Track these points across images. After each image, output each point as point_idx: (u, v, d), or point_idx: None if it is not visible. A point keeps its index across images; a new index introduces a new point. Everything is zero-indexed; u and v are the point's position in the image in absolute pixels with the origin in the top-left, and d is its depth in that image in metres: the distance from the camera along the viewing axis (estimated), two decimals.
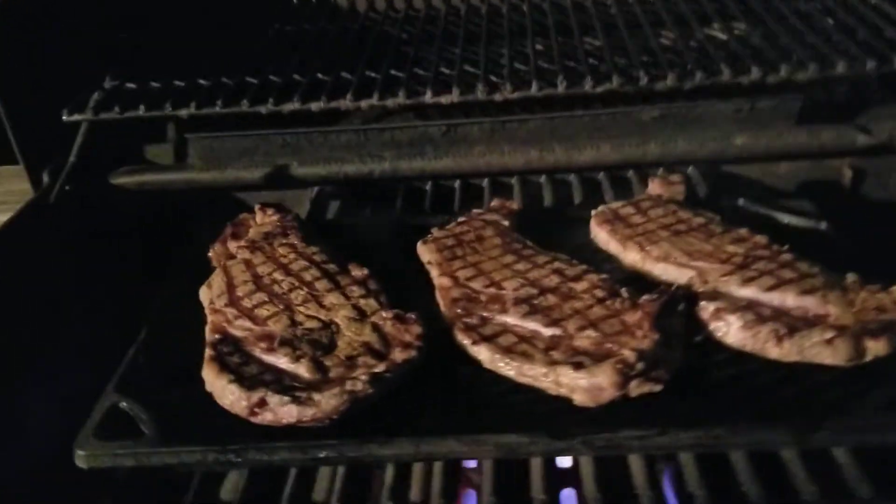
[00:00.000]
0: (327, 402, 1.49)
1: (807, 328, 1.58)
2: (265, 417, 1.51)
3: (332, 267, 1.87)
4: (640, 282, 1.82)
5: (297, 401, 1.49)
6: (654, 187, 2.18)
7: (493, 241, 1.97)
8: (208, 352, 1.64)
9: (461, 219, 2.10)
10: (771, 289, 1.68)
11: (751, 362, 1.60)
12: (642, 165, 2.40)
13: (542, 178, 2.48)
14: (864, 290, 1.66)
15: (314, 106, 2.22)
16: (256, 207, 2.19)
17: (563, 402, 1.53)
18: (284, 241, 2.00)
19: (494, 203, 2.18)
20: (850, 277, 1.71)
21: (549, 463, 1.77)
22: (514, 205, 2.16)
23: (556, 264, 1.84)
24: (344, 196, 2.59)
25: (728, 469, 1.67)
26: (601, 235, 2.00)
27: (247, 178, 2.45)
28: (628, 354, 1.53)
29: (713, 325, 1.65)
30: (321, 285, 1.80)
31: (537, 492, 1.68)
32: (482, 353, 1.63)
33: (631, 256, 1.91)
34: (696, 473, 1.66)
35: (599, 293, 1.72)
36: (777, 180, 2.51)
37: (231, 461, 1.52)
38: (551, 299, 1.72)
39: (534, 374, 1.56)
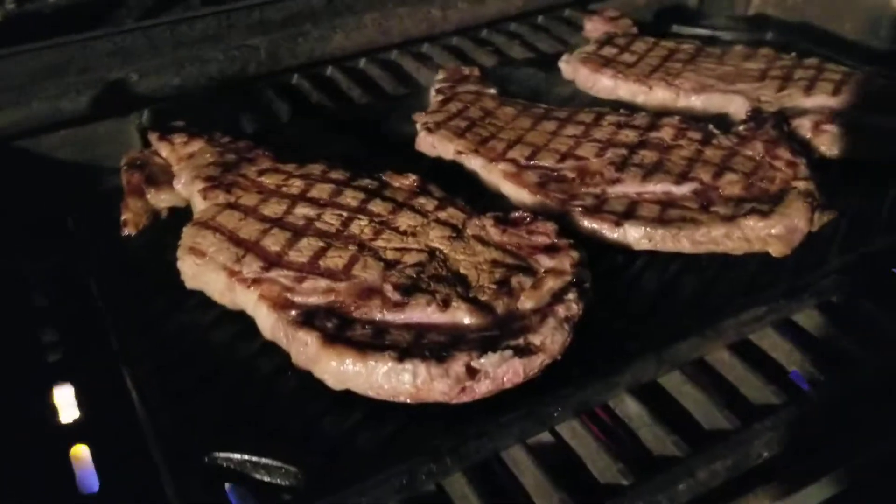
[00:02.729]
0: (552, 339, 1.08)
1: None
2: (479, 390, 1.05)
3: (366, 182, 1.36)
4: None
5: (519, 352, 1.06)
6: (597, 26, 1.95)
7: (505, 111, 1.60)
8: (310, 334, 1.09)
9: (438, 97, 1.67)
10: (834, 93, 1.59)
11: None
12: (554, 7, 2.13)
13: (454, 40, 2.08)
14: None
15: None
16: (154, 136, 1.52)
17: None
18: (258, 168, 1.41)
19: (453, 71, 1.77)
20: None
21: None
22: (477, 70, 1.78)
23: (608, 117, 1.55)
24: (193, 112, 1.92)
25: None
26: (603, 82, 1.74)
27: (66, 108, 1.70)
28: (804, 185, 1.34)
29: (817, 139, 1.51)
30: (379, 207, 1.30)
31: None
32: (631, 233, 1.31)
33: (659, 95, 1.68)
34: None
35: (694, 135, 1.48)
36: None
37: (446, 466, 1.04)
38: (650, 155, 1.44)
39: (714, 236, 1.29)
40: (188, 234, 1.28)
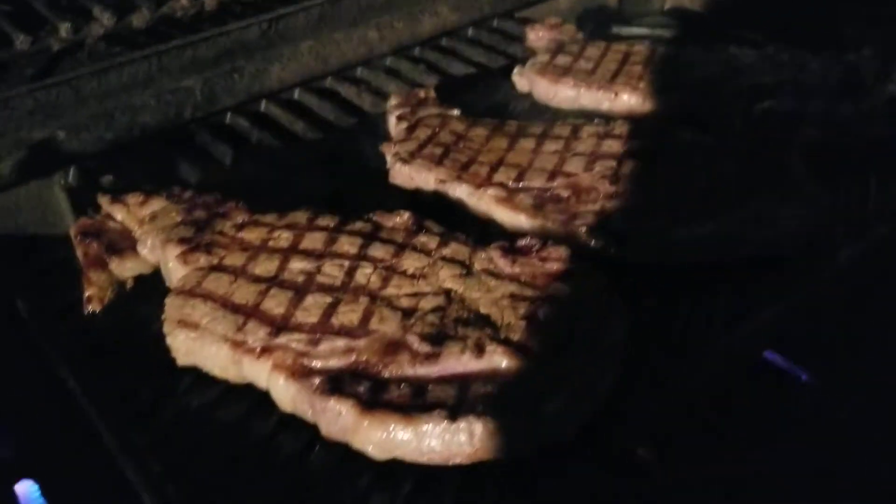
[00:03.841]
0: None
1: None
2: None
3: (358, 226, 1.26)
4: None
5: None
6: (541, 34, 1.90)
7: (478, 132, 1.53)
8: (344, 403, 0.99)
9: (401, 125, 1.58)
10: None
11: None
12: (486, 18, 2.07)
13: (388, 61, 1.98)
14: None
15: None
16: (106, 200, 1.37)
17: None
18: (233, 223, 1.28)
19: (408, 95, 1.68)
20: None
21: None
22: (431, 90, 1.70)
23: (586, 128, 1.50)
24: (125, 165, 1.76)
25: None
26: (566, 92, 1.69)
27: None
28: None
29: None
30: (380, 251, 1.20)
31: None
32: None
33: (624, 100, 1.64)
34: None
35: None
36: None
37: None
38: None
39: None
40: (173, 305, 1.15)
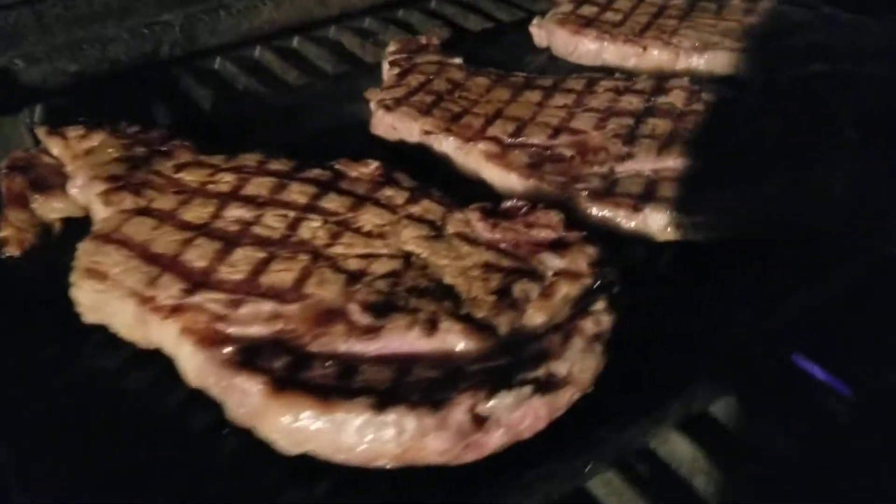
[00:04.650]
0: (582, 365, 0.81)
1: None
2: (489, 443, 0.77)
3: (316, 173, 1.07)
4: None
5: (540, 387, 0.78)
6: None
7: (477, 81, 1.33)
8: (253, 380, 0.80)
9: (393, 70, 1.38)
10: None
11: None
12: None
13: (400, 13, 1.79)
14: None
15: None
16: (42, 132, 1.20)
17: None
18: (176, 162, 1.10)
19: (407, 42, 1.49)
20: None
21: None
22: (435, 38, 1.50)
23: (603, 83, 1.29)
24: (94, 104, 1.58)
25: None
26: (586, 45, 1.48)
27: None
28: None
29: None
30: (335, 203, 1.01)
31: None
32: (654, 219, 1.05)
33: (654, 56, 1.42)
34: None
35: (709, 97, 1.23)
36: None
37: None
38: (661, 124, 1.18)
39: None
40: (85, 250, 0.98)
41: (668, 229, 1.04)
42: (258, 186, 1.03)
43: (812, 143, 1.10)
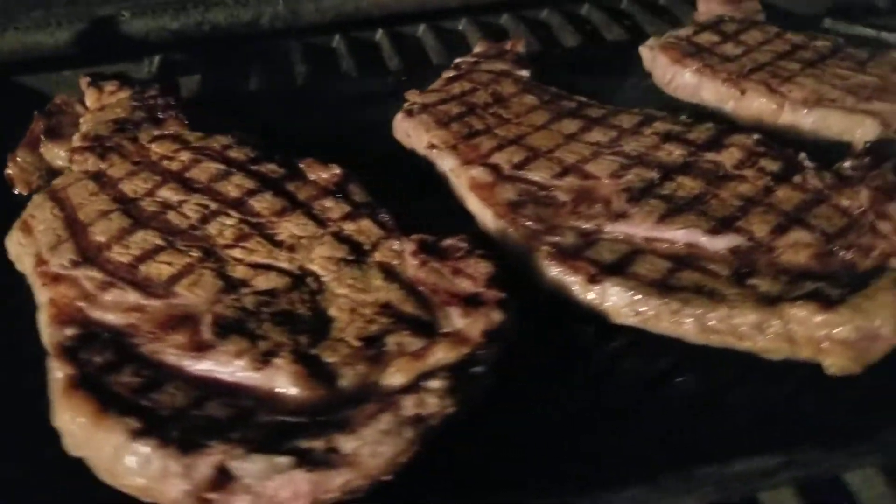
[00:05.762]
0: (374, 449, 0.68)
1: None
2: None
3: (270, 168, 1.01)
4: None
5: (309, 461, 0.66)
6: (712, 7, 1.45)
7: (525, 99, 1.18)
8: (60, 370, 0.76)
9: (449, 73, 1.27)
10: None
11: None
12: None
13: (504, 18, 1.68)
14: None
15: None
16: (84, 81, 1.25)
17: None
18: (159, 132, 1.09)
19: (490, 46, 1.36)
20: None
21: None
22: (521, 45, 1.36)
23: (657, 124, 1.09)
24: (208, 66, 1.64)
25: None
26: (684, 77, 1.26)
27: (45, 43, 1.48)
28: None
29: None
30: (264, 203, 0.94)
31: None
32: (612, 296, 0.86)
33: (754, 103, 1.18)
34: None
35: (770, 164, 0.99)
36: None
37: None
38: (689, 185, 0.97)
39: (736, 324, 0.81)
40: (32, 203, 1.00)
41: (625, 312, 0.85)
42: (202, 171, 0.99)
43: (862, 257, 0.85)
